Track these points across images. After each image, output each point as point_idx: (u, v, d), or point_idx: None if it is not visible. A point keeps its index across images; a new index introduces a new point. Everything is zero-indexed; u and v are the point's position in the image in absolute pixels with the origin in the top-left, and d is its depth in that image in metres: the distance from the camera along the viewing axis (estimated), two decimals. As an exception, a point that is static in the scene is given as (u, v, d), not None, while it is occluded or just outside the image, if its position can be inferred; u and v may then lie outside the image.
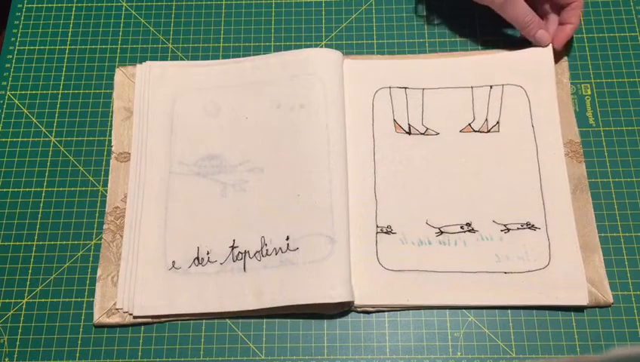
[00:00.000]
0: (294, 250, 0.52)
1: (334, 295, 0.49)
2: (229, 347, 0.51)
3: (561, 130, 0.56)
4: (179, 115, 0.58)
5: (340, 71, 0.58)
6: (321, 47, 0.61)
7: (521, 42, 0.60)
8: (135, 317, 0.51)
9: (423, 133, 0.57)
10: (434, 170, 0.55)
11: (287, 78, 0.57)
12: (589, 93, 0.58)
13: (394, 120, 0.57)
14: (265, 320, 0.52)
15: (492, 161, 0.55)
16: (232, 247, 0.53)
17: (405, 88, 0.58)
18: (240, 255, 0.53)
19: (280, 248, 0.52)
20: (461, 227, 0.53)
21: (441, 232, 0.53)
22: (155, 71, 0.59)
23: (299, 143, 0.55)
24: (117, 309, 0.52)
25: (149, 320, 0.52)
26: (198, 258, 0.53)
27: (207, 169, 0.56)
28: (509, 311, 0.51)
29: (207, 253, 0.53)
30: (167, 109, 0.58)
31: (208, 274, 0.52)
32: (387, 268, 0.52)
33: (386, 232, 0.53)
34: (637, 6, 0.61)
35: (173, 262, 0.53)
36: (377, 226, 0.54)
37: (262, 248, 0.52)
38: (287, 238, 0.52)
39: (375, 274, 0.52)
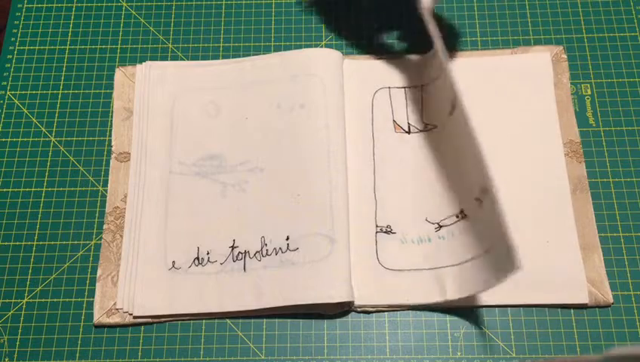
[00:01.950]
0: (294, 250, 0.52)
1: (334, 295, 0.49)
2: (229, 347, 0.51)
3: (561, 130, 0.56)
4: (179, 114, 0.58)
5: (339, 71, 0.58)
6: (321, 47, 0.61)
7: (521, 43, 0.60)
8: (135, 317, 0.51)
9: (424, 130, 0.56)
10: (432, 165, 0.55)
11: (287, 78, 0.57)
12: (589, 93, 0.58)
13: (393, 120, 0.57)
14: (265, 320, 0.52)
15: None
16: (232, 247, 0.53)
17: (405, 88, 0.58)
18: (240, 255, 0.53)
19: (280, 248, 0.52)
20: (456, 216, 0.53)
21: (440, 226, 0.53)
22: (155, 71, 0.59)
23: (299, 143, 0.55)
24: (117, 309, 0.52)
25: (149, 320, 0.52)
26: (198, 258, 0.53)
27: (207, 169, 0.56)
28: (509, 311, 0.51)
29: (207, 253, 0.53)
30: (167, 109, 0.58)
31: (208, 274, 0.52)
32: (387, 268, 0.52)
33: (385, 232, 0.53)
34: (637, 6, 0.61)
35: (173, 262, 0.53)
36: (377, 226, 0.54)
37: (262, 248, 0.52)
38: (287, 238, 0.52)
39: (375, 274, 0.52)
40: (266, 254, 0.52)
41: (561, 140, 0.55)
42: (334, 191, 0.53)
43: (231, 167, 0.56)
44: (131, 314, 0.51)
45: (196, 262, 0.53)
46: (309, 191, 0.53)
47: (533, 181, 0.54)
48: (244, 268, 0.52)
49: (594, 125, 0.57)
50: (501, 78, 0.58)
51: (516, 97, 0.57)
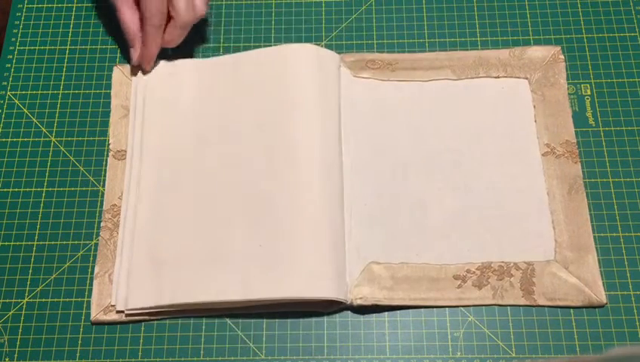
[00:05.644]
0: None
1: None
2: (229, 347, 0.51)
3: (557, 131, 0.56)
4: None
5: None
6: (321, 47, 0.61)
7: (521, 43, 0.60)
8: (128, 315, 0.51)
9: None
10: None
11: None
12: (589, 93, 0.58)
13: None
14: (265, 320, 0.52)
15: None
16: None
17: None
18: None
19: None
20: None
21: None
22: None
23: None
24: (113, 306, 0.52)
25: (146, 317, 0.51)
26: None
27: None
28: (509, 311, 0.51)
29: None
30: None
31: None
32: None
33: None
34: (637, 6, 0.61)
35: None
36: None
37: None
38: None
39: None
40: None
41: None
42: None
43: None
44: (124, 311, 0.51)
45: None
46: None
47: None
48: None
49: (593, 125, 0.57)
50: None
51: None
